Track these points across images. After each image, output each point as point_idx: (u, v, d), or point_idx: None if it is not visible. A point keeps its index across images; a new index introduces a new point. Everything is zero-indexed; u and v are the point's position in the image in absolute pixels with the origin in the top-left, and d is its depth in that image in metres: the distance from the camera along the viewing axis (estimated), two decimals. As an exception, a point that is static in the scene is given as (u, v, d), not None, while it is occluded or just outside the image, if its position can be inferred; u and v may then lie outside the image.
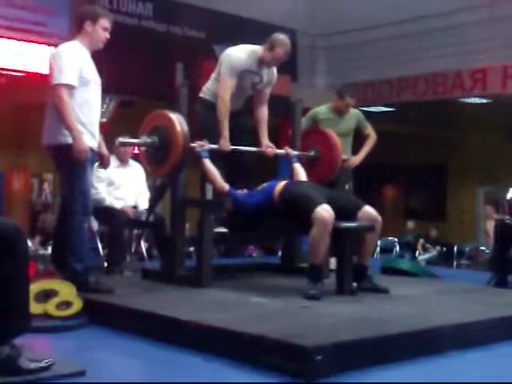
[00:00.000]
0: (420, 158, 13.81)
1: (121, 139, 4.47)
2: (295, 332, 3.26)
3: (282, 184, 4.60)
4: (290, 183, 4.67)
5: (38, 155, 11.75)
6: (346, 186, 5.92)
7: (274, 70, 5.18)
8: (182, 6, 10.32)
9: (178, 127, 4.41)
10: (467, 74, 10.43)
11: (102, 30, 4.36)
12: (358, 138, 6.28)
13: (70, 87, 4.16)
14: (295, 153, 5.23)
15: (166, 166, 4.52)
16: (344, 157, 5.62)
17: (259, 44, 5.05)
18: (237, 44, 5.11)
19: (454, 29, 10.35)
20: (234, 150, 4.90)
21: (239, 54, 4.97)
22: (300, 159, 5.23)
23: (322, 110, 6.19)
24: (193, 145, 4.60)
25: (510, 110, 10.99)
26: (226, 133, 4.80)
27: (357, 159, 6.15)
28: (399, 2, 11.16)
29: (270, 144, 5.15)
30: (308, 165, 5.35)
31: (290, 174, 5.46)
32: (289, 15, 11.64)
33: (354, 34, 11.35)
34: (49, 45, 8.80)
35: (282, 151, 5.24)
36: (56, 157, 4.29)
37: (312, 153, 5.39)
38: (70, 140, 4.15)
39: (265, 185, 4.72)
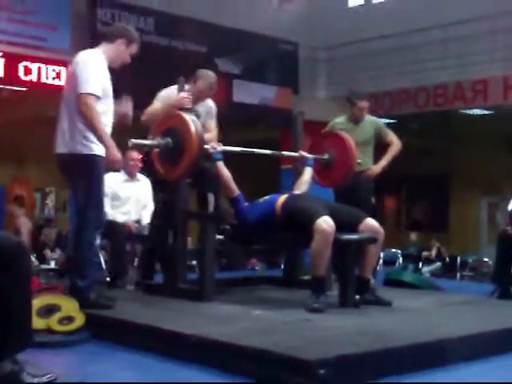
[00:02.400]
0: (422, 170, 13.82)
1: (134, 140, 4.37)
2: (298, 345, 3.25)
3: (283, 197, 4.60)
4: (291, 196, 4.68)
5: (40, 169, 11.80)
6: (373, 200, 5.79)
7: (209, 101, 5.21)
8: (183, 21, 10.37)
9: (193, 128, 4.29)
10: (468, 85, 10.45)
11: (129, 54, 4.37)
12: (380, 148, 6.08)
13: (97, 98, 4.09)
14: (310, 156, 5.20)
15: (180, 168, 4.39)
16: (359, 163, 5.45)
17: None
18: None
19: (454, 41, 10.38)
20: None
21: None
22: (314, 163, 5.19)
23: (339, 120, 6.11)
24: (206, 147, 4.52)
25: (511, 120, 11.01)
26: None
27: (377, 168, 5.93)
28: (399, 15, 11.21)
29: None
30: (322, 169, 5.31)
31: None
32: (290, 28, 11.70)
33: (355, 46, 11.39)
34: (50, 60, 8.87)
35: (296, 154, 5.22)
36: (71, 167, 4.20)
37: (326, 156, 5.30)
38: (88, 150, 4.10)
39: (267, 197, 4.72)
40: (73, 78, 4.17)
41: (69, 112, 4.19)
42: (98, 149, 4.14)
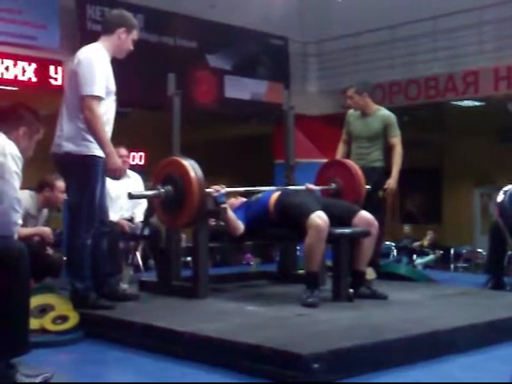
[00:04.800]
0: (414, 162, 13.81)
1: (133, 192, 4.34)
2: (292, 340, 3.26)
3: (276, 194, 4.62)
4: (283, 193, 4.69)
5: (32, 168, 11.75)
6: (380, 193, 5.65)
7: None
8: (173, 16, 10.34)
9: (192, 173, 4.19)
10: (459, 76, 10.46)
11: (131, 41, 4.26)
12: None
13: (100, 99, 3.99)
14: (316, 188, 5.14)
15: (184, 216, 4.27)
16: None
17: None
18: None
19: (444, 33, 10.38)
20: None
21: None
22: (322, 193, 5.14)
23: (352, 112, 5.97)
24: (208, 190, 4.40)
25: (503, 111, 11.03)
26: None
27: (394, 184, 5.71)
28: (389, 8, 11.19)
29: None
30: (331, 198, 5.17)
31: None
32: (280, 22, 11.67)
33: (345, 39, 11.38)
34: (40, 59, 8.83)
35: (302, 187, 5.12)
36: (68, 166, 4.13)
37: (333, 186, 5.22)
38: (87, 150, 4.03)
39: (259, 195, 4.73)
40: (75, 77, 4.05)
41: (68, 111, 4.10)
42: (95, 149, 4.06)
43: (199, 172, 4.24)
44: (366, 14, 11.39)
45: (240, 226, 4.54)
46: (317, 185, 5.24)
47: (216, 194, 4.45)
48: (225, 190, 4.53)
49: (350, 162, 5.38)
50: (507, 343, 3.75)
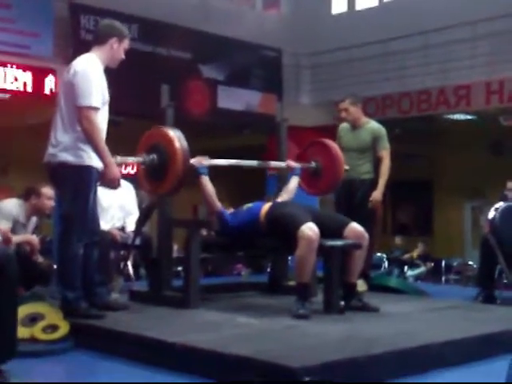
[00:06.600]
0: (406, 174, 13.86)
1: (119, 158, 4.35)
2: (282, 353, 3.25)
3: (267, 206, 4.62)
4: (275, 205, 4.69)
5: (23, 177, 11.72)
6: (369, 205, 5.67)
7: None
8: (167, 27, 10.36)
9: (177, 144, 4.25)
10: (451, 90, 10.52)
11: (123, 50, 4.31)
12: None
13: (97, 110, 4.03)
14: (297, 165, 5.19)
15: (167, 183, 4.34)
16: (346, 170, 5.29)
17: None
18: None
19: (436, 47, 10.44)
20: None
21: None
22: (302, 171, 5.19)
23: (343, 125, 6.02)
24: (192, 161, 4.49)
25: (494, 125, 11.09)
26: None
27: (379, 196, 5.75)
28: (382, 22, 11.26)
29: None
30: (310, 177, 5.28)
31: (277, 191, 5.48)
32: (273, 34, 11.72)
33: (339, 52, 11.43)
34: (32, 67, 8.82)
35: (283, 164, 5.20)
36: (61, 176, 4.12)
37: (313, 165, 5.27)
38: (81, 161, 4.04)
39: (250, 205, 4.73)
40: (71, 88, 4.06)
41: (63, 121, 4.11)
42: (90, 159, 4.07)
43: (184, 142, 4.30)
44: (358, 28, 11.46)
45: (217, 202, 4.62)
46: (297, 162, 5.26)
47: (198, 165, 4.57)
48: (208, 162, 4.64)
49: (331, 142, 5.38)
50: (498, 357, 3.74)
